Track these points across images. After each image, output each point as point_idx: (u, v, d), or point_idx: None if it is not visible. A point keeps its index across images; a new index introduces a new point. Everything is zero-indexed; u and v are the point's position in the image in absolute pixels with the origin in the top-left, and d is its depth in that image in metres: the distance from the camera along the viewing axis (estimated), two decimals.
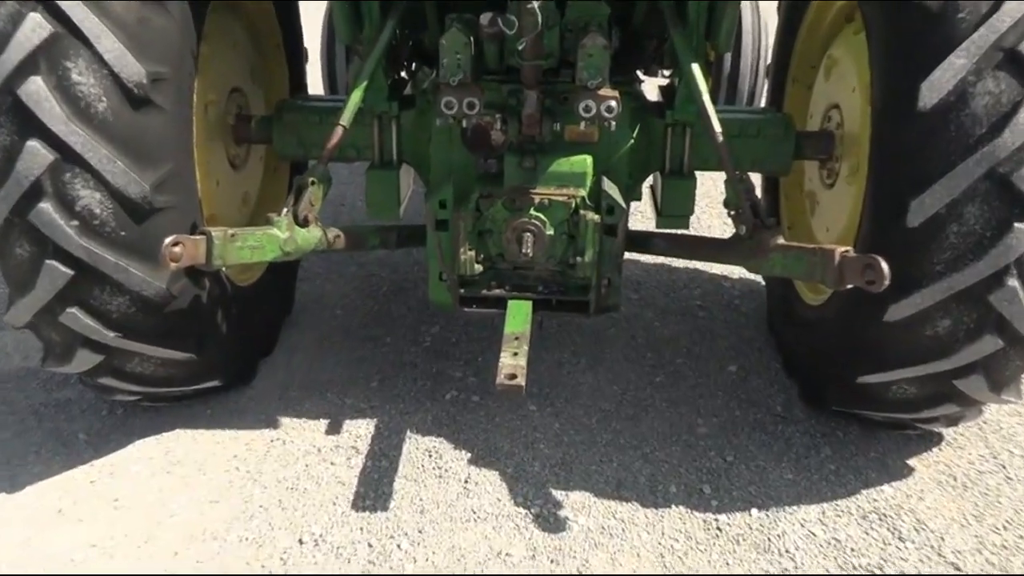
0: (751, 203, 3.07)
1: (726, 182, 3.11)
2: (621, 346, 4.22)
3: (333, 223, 5.52)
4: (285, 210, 3.08)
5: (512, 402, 3.78)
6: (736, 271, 4.86)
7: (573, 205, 3.18)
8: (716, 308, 4.57)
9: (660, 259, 4.98)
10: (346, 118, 3.17)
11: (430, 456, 3.48)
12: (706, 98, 3.15)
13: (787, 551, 3.03)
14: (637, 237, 3.52)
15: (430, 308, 4.46)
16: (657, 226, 3.65)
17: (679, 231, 3.60)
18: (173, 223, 3.03)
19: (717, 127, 3.09)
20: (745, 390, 3.89)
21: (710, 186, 5.95)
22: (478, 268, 3.28)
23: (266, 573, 2.95)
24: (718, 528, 3.13)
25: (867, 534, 3.11)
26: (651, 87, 4.03)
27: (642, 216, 5.62)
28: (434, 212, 3.22)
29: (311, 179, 3.11)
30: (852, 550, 3.04)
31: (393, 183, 3.56)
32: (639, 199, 3.79)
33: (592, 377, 3.97)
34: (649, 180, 3.91)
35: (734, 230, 3.13)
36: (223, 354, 3.55)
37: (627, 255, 3.65)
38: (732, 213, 3.11)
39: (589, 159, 3.26)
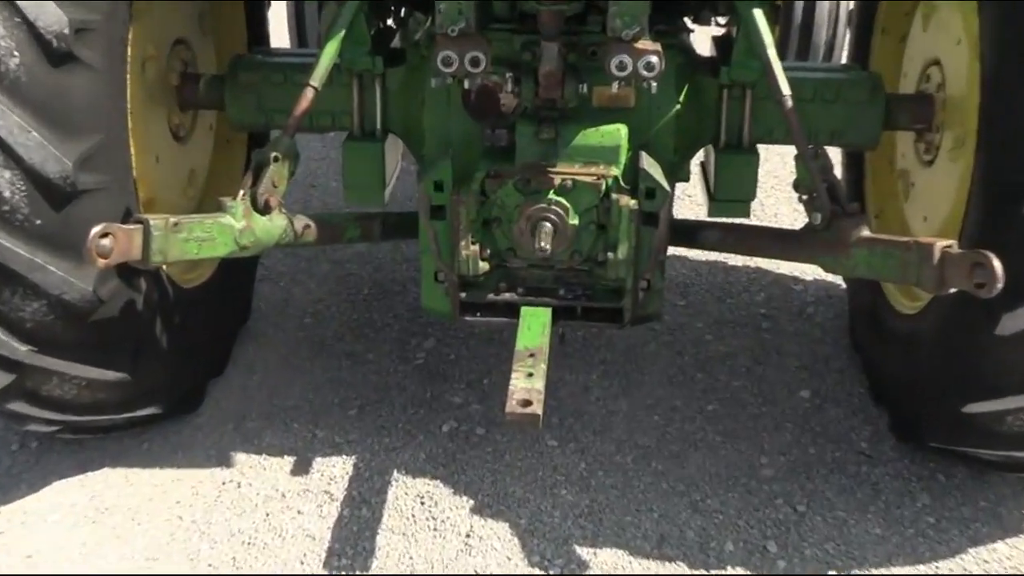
0: (828, 185, 3.08)
1: (796, 158, 3.11)
2: (664, 365, 4.22)
3: (302, 210, 5.54)
4: (241, 193, 3.10)
5: (526, 436, 3.78)
6: (809, 271, 4.85)
7: (603, 187, 3.19)
8: (784, 317, 4.57)
9: (713, 255, 4.97)
10: (317, 77, 3.18)
11: (423, 504, 3.48)
12: (772, 52, 3.15)
13: None
14: (684, 228, 3.52)
15: (423, 316, 4.48)
16: (709, 214, 3.65)
17: (737, 220, 3.60)
18: (101, 209, 3.03)
19: (785, 88, 3.09)
20: (820, 421, 3.89)
21: (776, 163, 5.94)
22: (483, 267, 3.28)
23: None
24: None
25: None
26: (702, 38, 4.02)
27: (691, 201, 5.62)
28: (428, 196, 3.23)
29: (274, 154, 3.12)
30: None
31: (376, 159, 3.57)
32: (687, 179, 3.77)
33: (627, 404, 3.98)
34: (699, 156, 3.90)
35: (806, 219, 3.13)
36: (163, 374, 3.56)
37: (671, 250, 3.64)
38: (804, 197, 3.11)
39: (623, 129, 3.26)
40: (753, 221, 3.61)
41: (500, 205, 3.23)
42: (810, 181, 3.08)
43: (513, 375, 2.91)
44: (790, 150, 3.13)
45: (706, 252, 4.73)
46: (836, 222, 3.05)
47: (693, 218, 4.65)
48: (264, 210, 3.12)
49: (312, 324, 4.49)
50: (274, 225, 3.16)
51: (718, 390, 4.07)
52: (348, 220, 3.49)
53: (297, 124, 3.19)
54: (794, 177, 3.15)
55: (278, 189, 3.14)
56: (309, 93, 3.17)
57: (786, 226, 5.07)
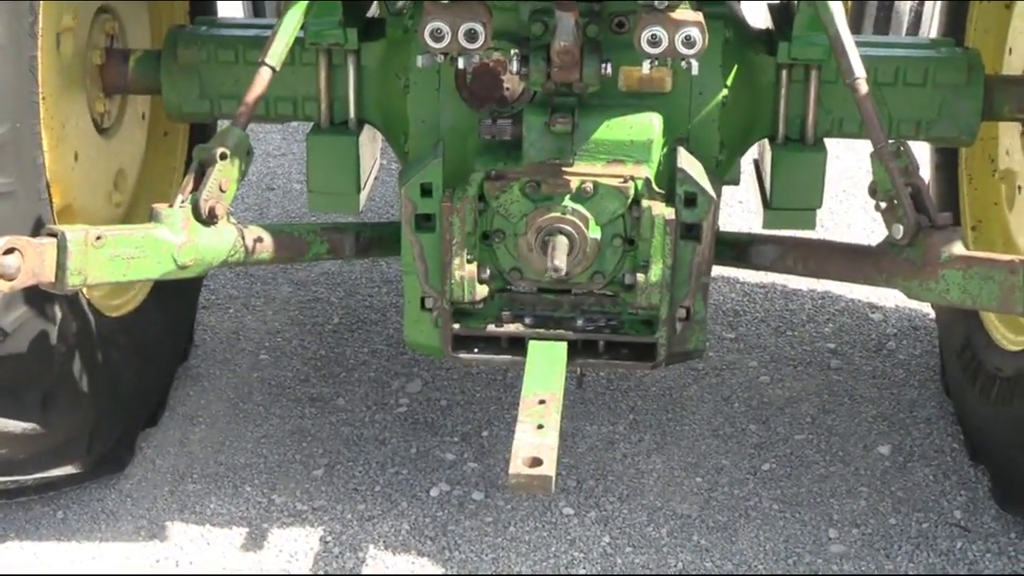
0: (913, 189, 3.06)
1: (873, 156, 3.10)
2: (708, 414, 4.19)
3: (256, 219, 5.63)
4: (180, 199, 3.10)
5: (535, 502, 3.76)
6: (890, 296, 4.84)
7: (632, 192, 3.17)
8: (858, 354, 4.54)
9: (770, 277, 4.97)
10: (276, 55, 3.17)
11: None
12: (842, 23, 3.14)
13: None
14: (734, 242, 3.51)
15: (407, 353, 4.45)
16: (765, 225, 3.64)
17: (799, 233, 3.60)
18: (5, 219, 3.03)
19: (859, 70, 3.08)
20: (904, 485, 3.87)
21: (849, 161, 5.94)
22: (482, 291, 3.27)
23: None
24: None
25: None
26: (756, 7, 4.02)
27: (742, 208, 5.62)
28: (413, 202, 3.22)
29: (221, 150, 3.13)
30: None
31: (349, 156, 3.57)
32: (736, 182, 3.75)
33: (662, 463, 3.95)
34: (753, 152, 3.89)
35: (885, 232, 3.12)
36: (82, 425, 3.54)
37: (717, 271, 3.62)
38: (883, 205, 3.10)
39: (658, 120, 3.26)
40: (819, 234, 3.62)
41: (503, 214, 3.21)
42: (890, 185, 3.07)
43: (519, 427, 2.90)
44: (866, 146, 3.13)
45: (761, 273, 4.73)
46: (922, 236, 3.04)
47: (744, 231, 4.61)
48: (209, 220, 3.11)
49: (269, 362, 4.48)
50: (221, 239, 3.15)
51: (776, 445, 4.04)
52: (313, 233, 3.49)
53: (251, 113, 3.18)
54: (870, 179, 3.14)
55: (226, 194, 3.14)
56: (265, 74, 3.17)
57: (860, 240, 5.07)
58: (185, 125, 4.22)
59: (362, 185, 3.65)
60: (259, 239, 3.28)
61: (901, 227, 3.06)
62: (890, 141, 3.09)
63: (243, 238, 3.22)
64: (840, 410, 4.22)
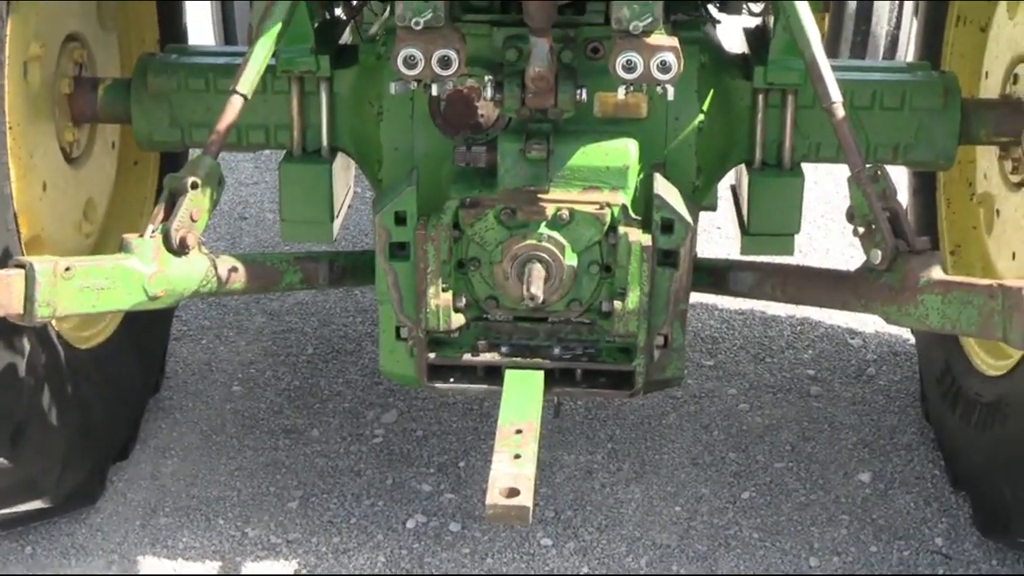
0: (890, 214, 3.09)
1: (850, 180, 3.13)
2: (687, 443, 4.23)
3: (229, 248, 5.61)
4: (151, 229, 3.11)
5: (513, 533, 3.77)
6: (869, 322, 4.88)
7: (608, 218, 3.20)
8: (838, 381, 4.58)
9: (749, 304, 5.00)
10: (247, 82, 3.19)
11: None
12: (818, 48, 3.16)
13: None
14: (711, 269, 3.54)
15: (382, 383, 4.48)
16: (742, 251, 3.67)
17: (777, 259, 3.62)
18: None
19: (836, 94, 3.11)
20: (885, 512, 3.90)
21: (827, 186, 5.98)
22: (457, 319, 3.29)
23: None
24: None
25: None
26: (731, 30, 4.06)
27: (720, 235, 5.66)
28: (387, 230, 3.24)
29: (192, 179, 3.13)
30: None
31: (322, 185, 3.59)
32: (714, 208, 3.80)
33: (640, 492, 3.98)
34: (730, 178, 3.93)
35: (864, 258, 3.15)
36: (51, 458, 3.55)
37: (695, 297, 3.65)
38: (860, 230, 3.13)
39: (633, 146, 3.29)
40: (797, 260, 3.61)
41: (478, 242, 3.24)
42: (868, 209, 3.10)
43: (496, 457, 2.91)
44: (844, 170, 3.15)
45: (740, 300, 4.72)
46: (901, 261, 3.06)
47: (722, 257, 4.65)
48: (180, 250, 3.12)
49: (242, 393, 4.50)
50: (193, 269, 3.16)
51: (755, 473, 4.07)
52: (286, 262, 3.49)
53: (222, 141, 3.20)
54: (848, 204, 3.17)
55: (197, 224, 3.15)
56: (237, 102, 3.18)
57: (839, 266, 5.09)
58: (155, 154, 4.22)
59: (335, 214, 3.66)
60: (232, 269, 3.28)
61: (879, 252, 3.07)
62: (867, 165, 3.11)
63: (215, 268, 3.22)
64: (820, 437, 4.25)
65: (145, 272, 3.06)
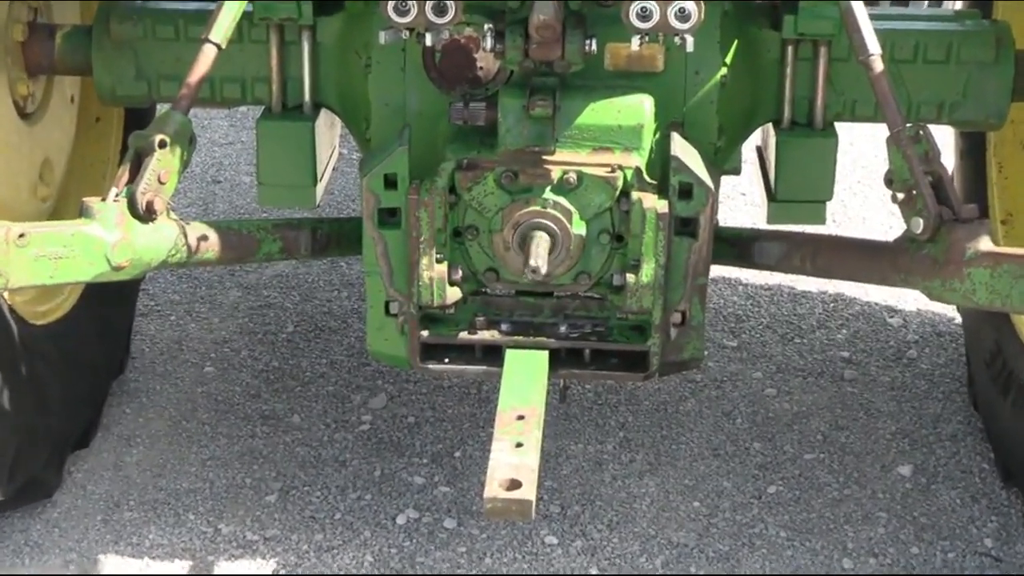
0: (934, 178, 3.08)
1: (889, 142, 3.14)
2: (707, 431, 4.24)
3: (201, 214, 5.61)
4: (114, 192, 3.10)
5: (514, 530, 3.78)
6: (910, 298, 4.88)
7: (620, 183, 3.20)
8: (875, 364, 4.59)
9: (776, 278, 5.01)
10: (221, 30, 3.18)
11: None
12: None
13: None
14: (734, 239, 3.55)
15: (370, 364, 4.50)
16: (769, 220, 3.68)
17: (807, 229, 3.62)
18: None
19: (873, 46, 3.10)
20: (927, 510, 3.91)
21: (865, 148, 5.98)
22: (453, 294, 3.30)
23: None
24: None
25: None
26: None
27: (744, 202, 5.66)
28: (376, 195, 3.24)
29: (160, 137, 3.13)
30: None
31: (304, 144, 3.60)
32: (737, 172, 3.80)
33: (655, 486, 4.00)
34: (756, 138, 3.94)
35: (904, 226, 3.14)
36: (3, 447, 3.55)
37: (717, 270, 3.65)
38: (900, 197, 3.13)
39: (648, 102, 3.29)
40: (830, 230, 3.61)
41: (476, 208, 3.24)
42: (908, 174, 3.08)
43: (495, 446, 2.92)
44: (882, 131, 3.15)
45: (766, 274, 4.76)
46: (945, 231, 3.05)
47: (747, 226, 4.65)
48: (146, 216, 3.11)
49: (215, 375, 4.51)
50: (160, 237, 3.16)
51: (783, 465, 4.09)
52: (264, 230, 3.50)
53: (193, 96, 3.19)
54: (887, 168, 3.17)
55: (166, 187, 3.14)
56: (210, 53, 3.17)
57: (876, 236, 5.08)
58: (119, 110, 4.22)
59: (319, 177, 3.66)
60: (203, 237, 3.28)
61: (921, 220, 3.05)
62: (908, 125, 3.09)
63: (185, 236, 3.22)
64: (855, 426, 4.26)
65: (108, 240, 3.06)
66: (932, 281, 3.09)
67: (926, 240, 3.07)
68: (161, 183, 3.12)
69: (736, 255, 3.55)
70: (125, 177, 3.11)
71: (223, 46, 3.18)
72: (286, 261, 4.75)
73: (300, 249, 3.55)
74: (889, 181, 3.14)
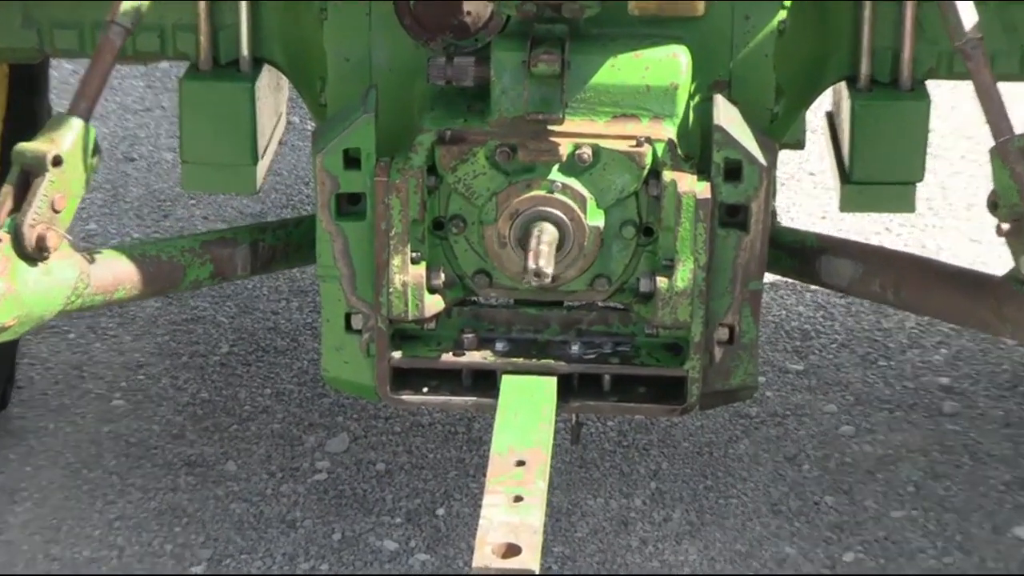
0: None
1: (994, 153, 3.12)
2: (764, 482, 4.25)
3: (109, 201, 5.61)
4: None
5: None
6: None
7: (648, 160, 3.21)
8: (983, 394, 4.60)
9: None
10: (129, 12, 3.20)
11: None
12: None
13: None
14: (795, 248, 3.57)
15: (327, 394, 4.51)
16: (843, 206, 3.69)
17: (893, 219, 3.62)
18: None
19: (972, 23, 3.12)
20: None
21: (968, 109, 5.92)
22: (433, 303, 3.32)
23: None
24: None
25: None
26: None
27: (811, 184, 5.67)
28: (333, 177, 3.26)
29: (54, 153, 3.07)
30: None
31: (241, 112, 3.62)
32: (801, 146, 3.82)
33: (698, 553, 4.00)
34: (825, 102, 3.95)
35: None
36: None
37: (770, 278, 3.66)
38: (1006, 227, 3.10)
39: (685, 57, 3.30)
40: (924, 220, 3.60)
41: (463, 193, 3.25)
42: (1018, 197, 3.08)
43: (488, 500, 2.93)
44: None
45: None
46: None
47: (812, 225, 4.65)
48: (37, 254, 3.11)
49: (126, 410, 4.52)
50: (55, 281, 3.17)
51: (863, 526, 4.08)
52: (190, 252, 3.49)
53: (96, 95, 3.20)
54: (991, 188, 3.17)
55: (62, 216, 3.12)
56: (117, 37, 3.20)
57: (985, 231, 5.04)
58: (1, 67, 4.22)
59: (260, 153, 3.68)
60: (111, 272, 3.30)
61: None
62: (1020, 134, 3.11)
63: (88, 275, 3.23)
64: (957, 475, 4.26)
65: None
66: None
67: None
68: (55, 211, 3.10)
69: (796, 267, 3.58)
70: (8, 204, 3.09)
71: (131, 28, 3.20)
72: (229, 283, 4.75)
73: (236, 269, 3.56)
74: (994, 205, 3.14)
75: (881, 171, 3.61)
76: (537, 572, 2.77)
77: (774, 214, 3.32)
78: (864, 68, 3.57)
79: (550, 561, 3.88)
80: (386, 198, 3.21)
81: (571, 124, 3.23)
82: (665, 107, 3.25)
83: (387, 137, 3.27)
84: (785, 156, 4.04)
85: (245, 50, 3.62)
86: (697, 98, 3.33)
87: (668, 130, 3.23)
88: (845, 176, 3.66)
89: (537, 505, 2.91)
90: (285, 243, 3.63)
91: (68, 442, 4.39)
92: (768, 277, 3.45)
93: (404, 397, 3.37)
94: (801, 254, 3.55)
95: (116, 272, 3.30)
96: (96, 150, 3.23)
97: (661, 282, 3.23)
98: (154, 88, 6.40)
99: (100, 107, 3.53)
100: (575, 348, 3.36)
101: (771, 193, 3.26)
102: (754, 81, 3.44)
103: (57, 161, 3.07)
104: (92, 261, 3.23)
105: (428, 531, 4.07)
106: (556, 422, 3.21)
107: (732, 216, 3.24)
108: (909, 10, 3.52)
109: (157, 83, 6.42)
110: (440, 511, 4.13)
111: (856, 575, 3.84)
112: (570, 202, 3.21)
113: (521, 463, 3.03)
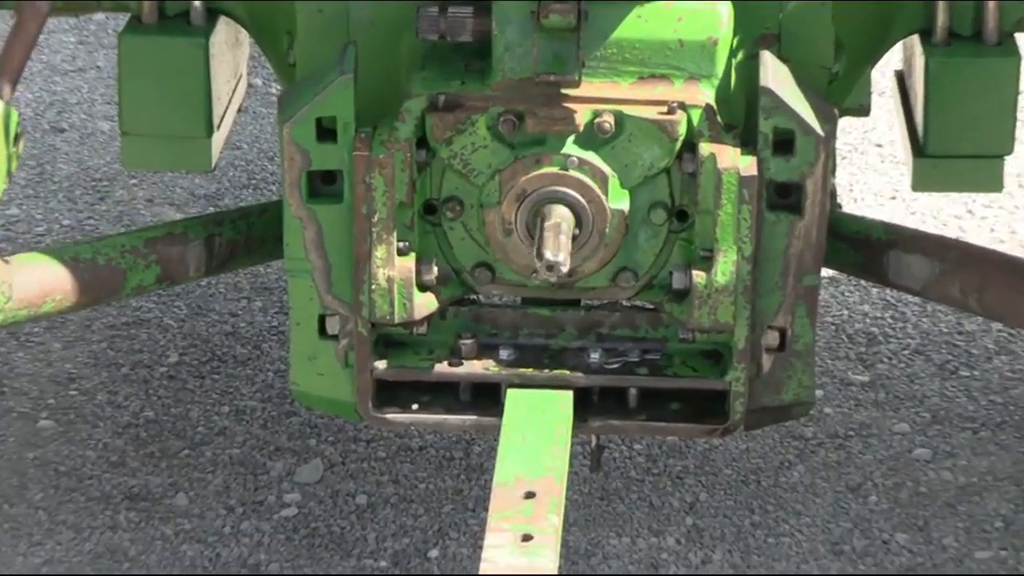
0: None
1: None
2: (823, 516, 4.27)
3: (35, 179, 5.64)
4: None
5: None
6: None
7: (683, 130, 3.23)
8: None
9: None
10: None
11: None
12: None
13: None
14: (858, 240, 3.59)
15: (298, 411, 4.54)
16: (915, 184, 3.73)
17: (976, 200, 3.64)
18: None
19: None
20: None
21: None
22: (424, 302, 3.34)
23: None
24: None
25: None
26: None
27: (878, 157, 5.70)
28: (304, 151, 3.27)
29: None
30: None
31: (193, 73, 3.64)
32: (866, 111, 3.82)
33: None
34: (891, 59, 3.97)
35: None
36: None
37: (829, 272, 3.67)
38: None
39: (724, 6, 3.31)
40: (1016, 201, 3.61)
41: (460, 170, 3.28)
42: None
43: (490, 539, 2.94)
44: None
45: None
46: None
47: (881, 212, 4.67)
48: None
49: (55, 432, 4.54)
50: None
51: (943, 568, 4.10)
52: (132, 252, 3.52)
53: (16, 73, 3.24)
54: None
55: None
56: (40, 12, 3.24)
57: None
58: None
59: (215, 124, 3.70)
60: (38, 281, 3.32)
61: None
62: None
63: (8, 287, 3.24)
64: None
65: None
66: None
67: None
68: None
69: (860, 265, 3.60)
70: None
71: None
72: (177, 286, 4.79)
73: (188, 271, 3.59)
74: None
75: (961, 142, 3.63)
76: None
77: (833, 195, 3.32)
78: (941, 19, 3.58)
79: None
80: (367, 176, 3.22)
81: (589, 87, 3.24)
82: (702, 66, 3.27)
83: (368, 103, 3.29)
84: (846, 124, 4.05)
85: None
86: (740, 55, 3.34)
87: (706, 94, 3.24)
88: (918, 148, 3.68)
89: (550, 545, 2.91)
90: (246, 236, 3.66)
91: None
92: (826, 272, 3.46)
93: (389, 416, 3.40)
94: (866, 248, 3.57)
95: (43, 281, 3.32)
96: (18, 137, 3.24)
97: (698, 276, 3.24)
98: (87, 44, 6.42)
99: None
100: (595, 356, 3.37)
101: (830, 169, 3.27)
102: (809, 35, 3.45)
103: None
104: (13, 268, 3.25)
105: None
106: (572, 445, 3.23)
107: (783, 197, 3.25)
108: None
109: (91, 38, 6.43)
110: (433, 553, 4.15)
111: None
112: (588, 181, 3.22)
113: (530, 495, 3.04)
